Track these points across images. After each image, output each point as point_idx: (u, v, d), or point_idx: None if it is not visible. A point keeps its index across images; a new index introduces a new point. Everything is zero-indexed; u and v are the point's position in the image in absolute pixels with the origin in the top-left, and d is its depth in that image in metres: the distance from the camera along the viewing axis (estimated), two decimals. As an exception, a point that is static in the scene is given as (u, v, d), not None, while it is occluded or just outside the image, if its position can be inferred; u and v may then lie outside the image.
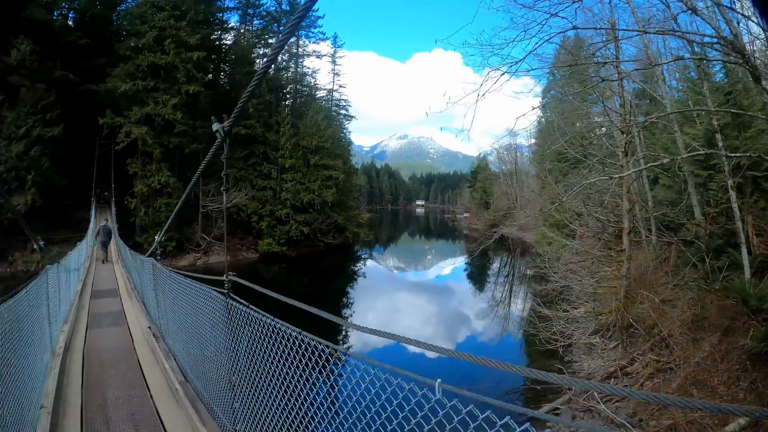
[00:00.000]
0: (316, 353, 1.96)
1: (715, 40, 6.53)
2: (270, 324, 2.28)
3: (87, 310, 8.13)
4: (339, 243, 35.39)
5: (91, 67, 24.46)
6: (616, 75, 10.91)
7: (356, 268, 31.86)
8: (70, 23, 26.05)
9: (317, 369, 1.99)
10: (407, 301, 22.34)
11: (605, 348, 11.33)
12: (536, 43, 6.59)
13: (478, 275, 30.36)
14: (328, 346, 1.92)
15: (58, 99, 22.68)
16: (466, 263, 37.41)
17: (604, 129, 13.78)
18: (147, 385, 4.48)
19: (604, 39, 9.52)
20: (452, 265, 37.37)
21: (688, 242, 11.97)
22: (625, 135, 11.48)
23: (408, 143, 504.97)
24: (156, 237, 6.69)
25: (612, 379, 9.53)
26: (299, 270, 27.73)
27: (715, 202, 11.10)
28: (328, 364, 1.97)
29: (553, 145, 30.25)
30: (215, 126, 2.46)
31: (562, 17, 6.62)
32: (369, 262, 35.59)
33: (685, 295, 10.09)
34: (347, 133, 40.63)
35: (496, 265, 35.58)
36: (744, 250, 9.25)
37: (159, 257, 6.20)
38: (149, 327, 6.25)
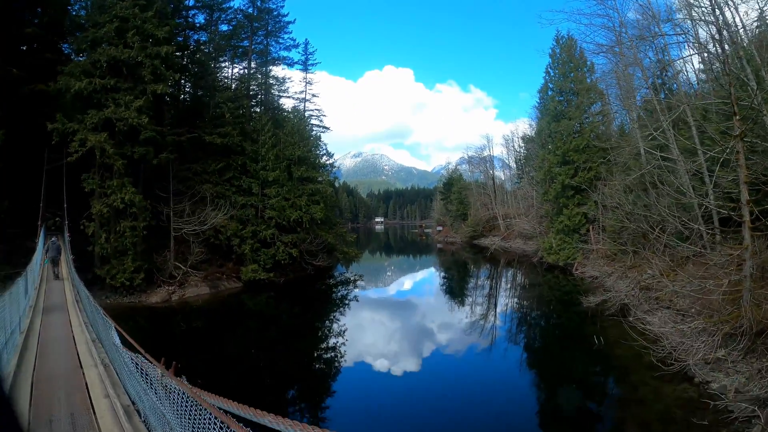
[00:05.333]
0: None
1: None
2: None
3: None
4: (328, 265, 32.19)
5: (40, 63, 19.94)
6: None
7: (347, 292, 28.67)
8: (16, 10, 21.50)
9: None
10: (440, 326, 19.39)
11: (735, 360, 9.59)
12: None
13: (493, 291, 28.41)
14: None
15: (-2, 100, 18.20)
16: (463, 278, 35.57)
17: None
18: None
19: None
20: (449, 281, 35.28)
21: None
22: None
23: (362, 161, 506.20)
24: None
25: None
26: (289, 298, 24.33)
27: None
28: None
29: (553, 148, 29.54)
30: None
31: None
32: (360, 283, 32.43)
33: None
34: (324, 146, 37.77)
35: (504, 280, 33.96)
36: None
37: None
38: None
